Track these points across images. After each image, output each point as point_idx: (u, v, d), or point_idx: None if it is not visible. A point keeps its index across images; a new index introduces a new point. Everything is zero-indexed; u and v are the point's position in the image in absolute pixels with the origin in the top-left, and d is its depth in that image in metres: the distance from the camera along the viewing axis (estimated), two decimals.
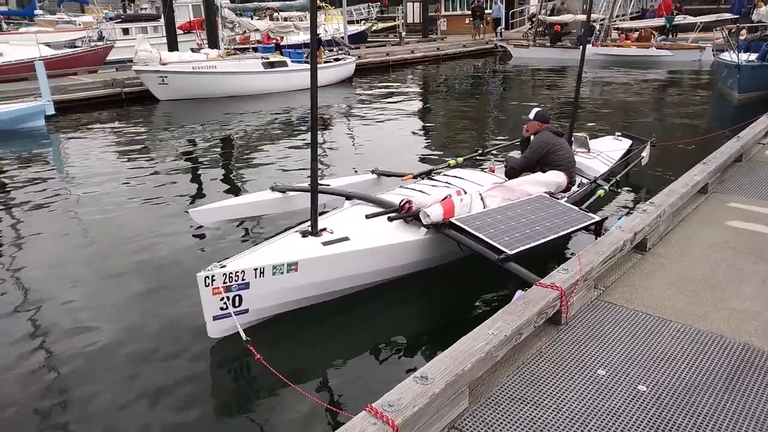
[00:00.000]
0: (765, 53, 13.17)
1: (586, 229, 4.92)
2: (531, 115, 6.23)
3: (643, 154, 7.31)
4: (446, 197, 4.97)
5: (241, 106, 15.39)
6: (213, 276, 3.84)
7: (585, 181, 6.34)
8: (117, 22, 26.52)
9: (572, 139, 7.15)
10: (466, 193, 5.24)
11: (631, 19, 26.08)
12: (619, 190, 6.99)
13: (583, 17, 17.21)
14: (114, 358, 4.09)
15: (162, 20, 22.94)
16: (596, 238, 4.84)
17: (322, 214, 4.85)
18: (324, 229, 4.53)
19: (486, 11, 29.88)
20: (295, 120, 13.68)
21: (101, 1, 40.56)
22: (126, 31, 25.96)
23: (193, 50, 19.30)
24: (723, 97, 14.35)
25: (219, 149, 10.99)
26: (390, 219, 4.77)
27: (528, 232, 4.56)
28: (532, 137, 6.22)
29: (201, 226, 5.81)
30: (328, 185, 5.84)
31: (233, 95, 16.33)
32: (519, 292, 3.55)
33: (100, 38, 24.18)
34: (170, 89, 15.70)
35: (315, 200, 4.50)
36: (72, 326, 4.53)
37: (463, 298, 4.85)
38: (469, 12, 30.39)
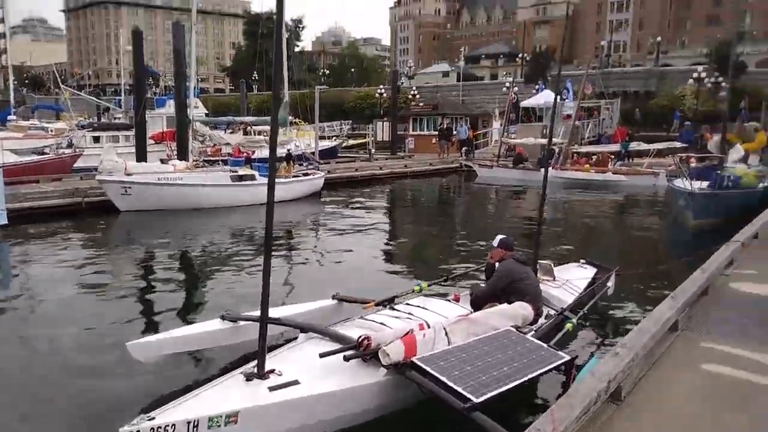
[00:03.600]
0: (715, 181, 13.79)
1: (556, 369, 4.65)
2: (495, 243, 6.22)
3: (609, 283, 7.22)
4: (408, 332, 4.65)
5: (204, 220, 15.11)
6: None
7: (552, 312, 6.13)
8: (89, 130, 26.73)
9: (537, 267, 7.05)
10: (429, 326, 4.94)
11: (589, 143, 27.65)
12: (586, 323, 6.78)
13: (544, 141, 18.09)
14: None
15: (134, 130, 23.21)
16: (566, 379, 4.60)
17: (273, 348, 4.44)
18: (272, 371, 4.11)
19: (453, 132, 31.40)
20: (258, 237, 13.31)
21: (78, 108, 41.28)
22: (97, 140, 26.02)
23: (162, 161, 19.34)
24: (678, 222, 14.79)
25: (173, 268, 10.52)
26: (346, 358, 4.37)
27: (495, 375, 4.24)
28: (496, 264, 6.11)
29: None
30: (278, 319, 5.33)
31: (199, 208, 16.03)
32: None
33: (69, 145, 24.20)
34: (133, 200, 15.35)
35: (264, 335, 4.12)
36: None
37: None
38: (436, 132, 31.86)
